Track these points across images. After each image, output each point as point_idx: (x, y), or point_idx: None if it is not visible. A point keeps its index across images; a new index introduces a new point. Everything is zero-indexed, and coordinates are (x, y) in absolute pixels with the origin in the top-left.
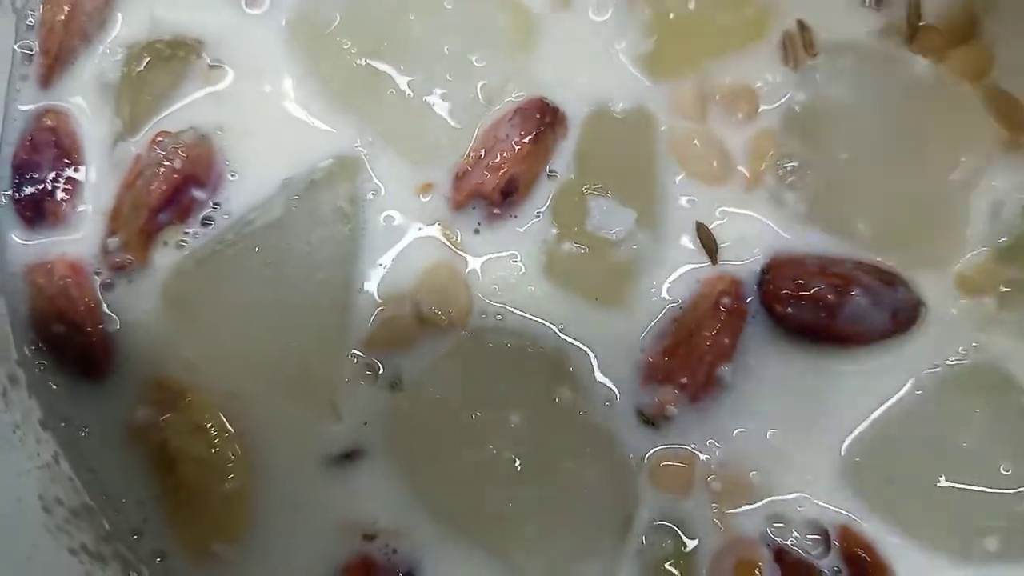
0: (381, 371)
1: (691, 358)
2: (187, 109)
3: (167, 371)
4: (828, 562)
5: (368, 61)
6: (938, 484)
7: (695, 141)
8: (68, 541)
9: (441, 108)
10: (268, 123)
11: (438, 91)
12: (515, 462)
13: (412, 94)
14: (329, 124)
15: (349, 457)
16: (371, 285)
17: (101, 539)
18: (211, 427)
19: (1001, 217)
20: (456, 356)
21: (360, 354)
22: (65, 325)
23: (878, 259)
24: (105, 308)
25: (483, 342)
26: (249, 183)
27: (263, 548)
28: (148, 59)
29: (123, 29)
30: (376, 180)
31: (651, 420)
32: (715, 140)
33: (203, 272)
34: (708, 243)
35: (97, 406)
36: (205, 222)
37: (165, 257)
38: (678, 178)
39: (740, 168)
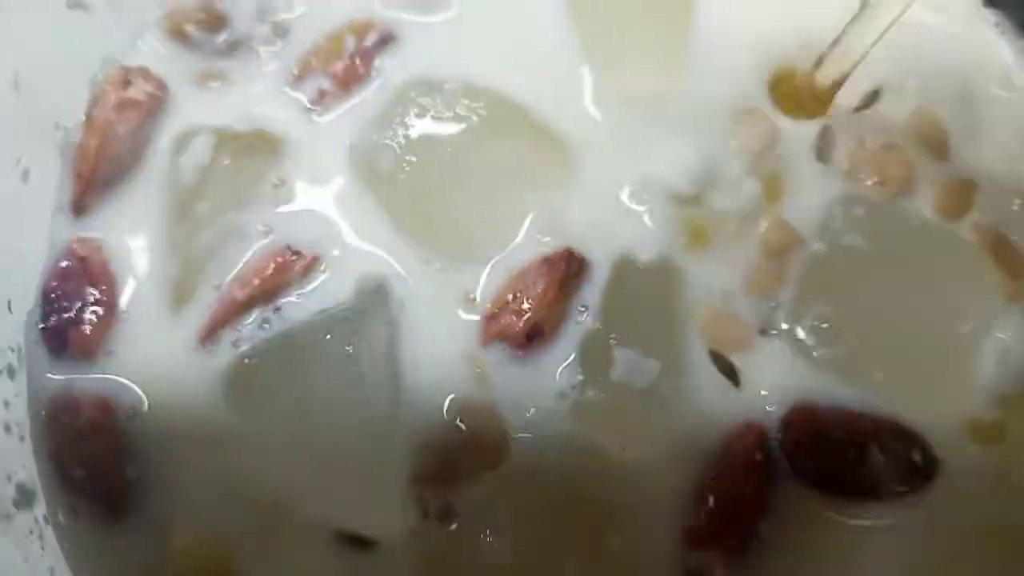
0: (431, 506)
1: (735, 520)
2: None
3: (170, 515)
4: None
5: (424, 202)
6: None
7: (719, 320)
8: None
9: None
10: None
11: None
12: None
13: (463, 223)
14: (382, 245)
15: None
16: (411, 412)
17: None
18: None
19: (1008, 367)
20: (505, 494)
21: (406, 489)
22: (86, 469)
23: (894, 409)
24: (129, 449)
25: (531, 481)
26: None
27: None
28: (231, 153)
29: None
30: (417, 303)
31: None
32: (737, 317)
33: (272, 364)
34: (726, 369)
35: (113, 547)
36: (263, 325)
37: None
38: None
39: (753, 321)
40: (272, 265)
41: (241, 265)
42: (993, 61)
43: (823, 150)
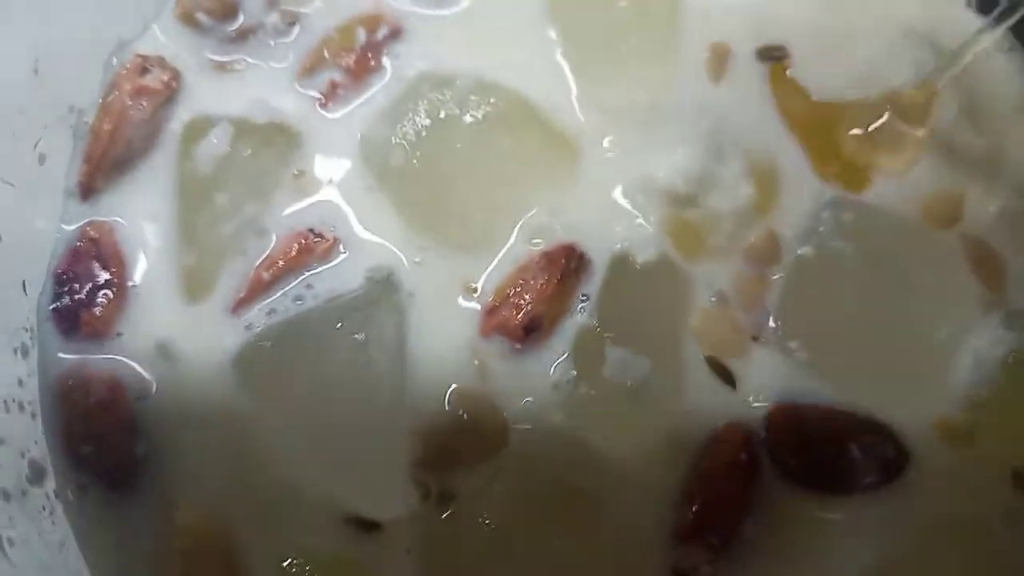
0: (432, 490)
1: (720, 519)
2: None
3: (176, 493)
4: None
5: (432, 196)
6: None
7: (713, 323)
8: None
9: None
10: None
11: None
12: None
13: (469, 217)
14: (390, 237)
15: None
16: (415, 399)
17: None
18: (199, 549)
19: (980, 372)
20: (502, 481)
21: (408, 472)
22: (95, 446)
23: (870, 408)
24: (137, 427)
25: (527, 469)
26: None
27: None
28: (250, 145)
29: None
30: (424, 294)
31: None
32: (731, 321)
33: (284, 348)
34: (723, 372)
35: (120, 524)
36: (283, 305)
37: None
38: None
39: (745, 326)
40: (296, 247)
41: (265, 253)
42: None
43: None
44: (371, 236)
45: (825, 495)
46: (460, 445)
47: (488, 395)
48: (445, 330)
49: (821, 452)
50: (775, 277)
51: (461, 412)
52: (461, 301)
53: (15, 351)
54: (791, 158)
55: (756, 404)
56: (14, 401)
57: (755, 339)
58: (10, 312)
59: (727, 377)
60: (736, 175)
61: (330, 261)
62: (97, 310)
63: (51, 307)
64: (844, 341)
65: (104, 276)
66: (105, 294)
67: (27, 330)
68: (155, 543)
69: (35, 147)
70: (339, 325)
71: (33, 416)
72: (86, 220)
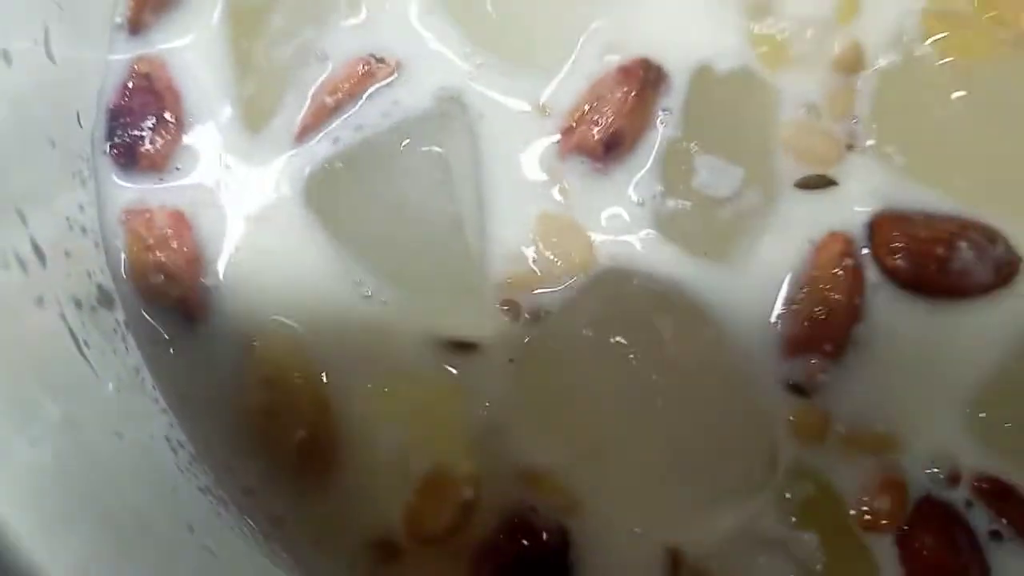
0: (522, 308)
1: (830, 324)
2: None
3: (252, 324)
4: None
5: (494, 9)
6: None
7: (804, 133)
8: (196, 481)
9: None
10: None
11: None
12: (658, 397)
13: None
14: (455, 55)
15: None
16: (494, 222)
17: (218, 483)
18: (281, 378)
19: None
20: (595, 294)
21: (496, 293)
22: (163, 276)
23: (975, 212)
24: (206, 258)
25: (619, 282)
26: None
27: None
28: None
29: None
30: (494, 115)
31: (801, 389)
32: (826, 129)
33: (356, 169)
34: (819, 182)
35: (193, 356)
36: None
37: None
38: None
39: (838, 135)
40: (359, 71)
41: (323, 77)
42: None
43: None
44: (433, 58)
45: (936, 297)
46: (546, 266)
47: (570, 216)
48: (519, 152)
49: (928, 252)
50: (862, 86)
51: (542, 233)
52: (533, 122)
53: (73, 175)
54: None
55: (857, 210)
56: (77, 223)
57: (850, 147)
58: (67, 138)
59: (824, 186)
60: None
61: (393, 85)
62: (154, 145)
63: (107, 142)
64: (943, 146)
65: (159, 110)
66: (162, 128)
67: (84, 159)
68: (233, 375)
69: None
70: (407, 142)
71: (96, 245)
72: (136, 55)
